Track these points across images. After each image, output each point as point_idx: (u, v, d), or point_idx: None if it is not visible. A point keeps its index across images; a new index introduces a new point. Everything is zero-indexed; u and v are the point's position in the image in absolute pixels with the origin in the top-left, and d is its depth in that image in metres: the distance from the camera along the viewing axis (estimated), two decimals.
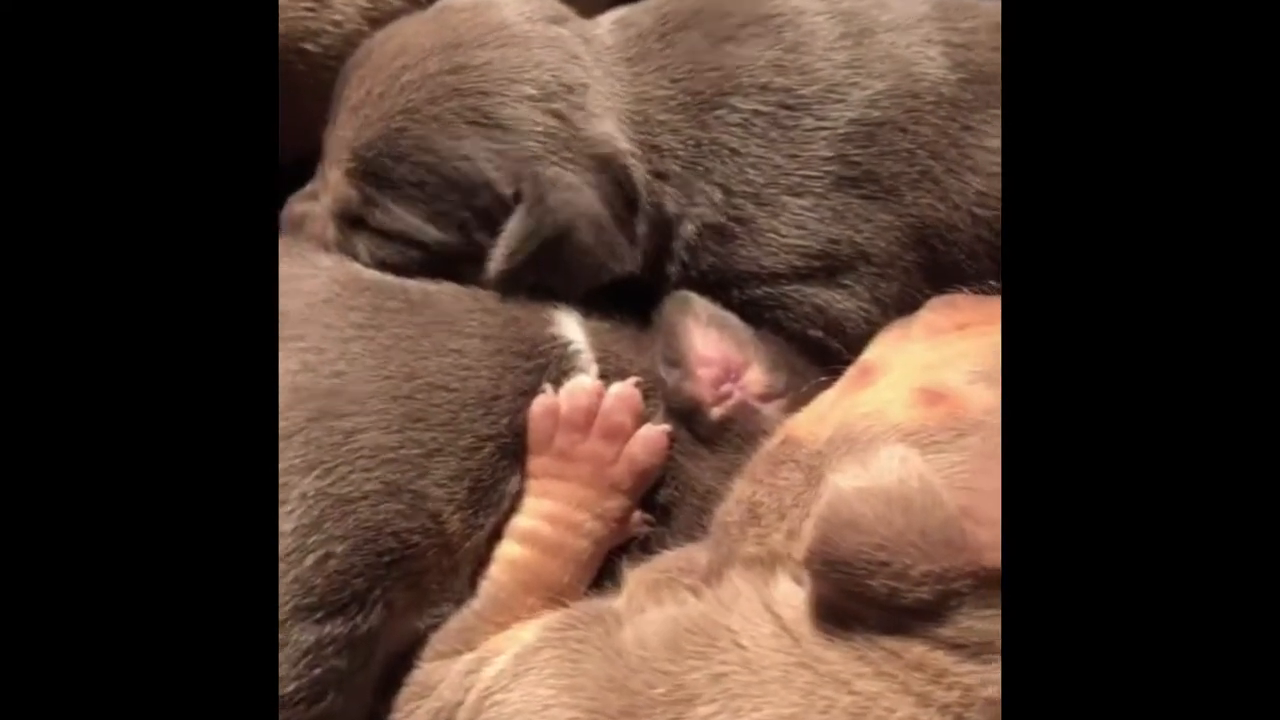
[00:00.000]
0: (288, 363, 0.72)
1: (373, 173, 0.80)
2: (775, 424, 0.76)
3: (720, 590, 0.67)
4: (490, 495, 0.74)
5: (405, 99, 0.80)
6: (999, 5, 0.87)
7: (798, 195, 0.82)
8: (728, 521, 0.69)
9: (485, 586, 0.73)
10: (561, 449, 0.75)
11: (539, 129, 0.80)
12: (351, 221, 0.82)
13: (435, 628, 0.73)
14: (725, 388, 0.79)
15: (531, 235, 0.79)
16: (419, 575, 0.72)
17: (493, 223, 0.80)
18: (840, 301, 0.84)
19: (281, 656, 0.67)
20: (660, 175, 0.82)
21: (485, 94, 0.80)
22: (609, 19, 0.88)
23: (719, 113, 0.82)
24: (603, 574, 0.76)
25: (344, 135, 0.82)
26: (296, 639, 0.68)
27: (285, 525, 0.68)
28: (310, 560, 0.68)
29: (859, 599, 0.59)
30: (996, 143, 0.82)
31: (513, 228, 0.79)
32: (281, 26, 0.88)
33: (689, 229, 0.83)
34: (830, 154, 0.82)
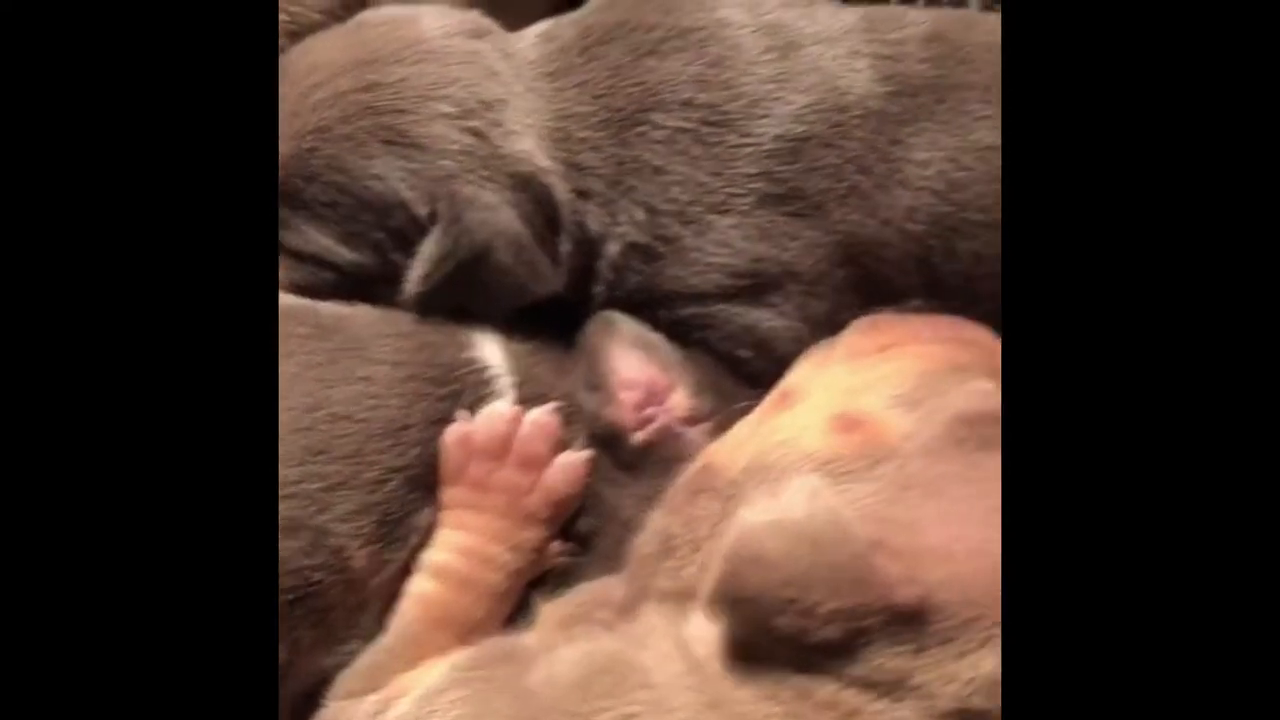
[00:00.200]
0: None
1: (284, 193, 0.78)
2: (700, 449, 0.74)
3: (634, 626, 0.64)
4: (398, 529, 0.72)
5: (317, 118, 0.78)
6: (931, 15, 0.86)
7: (723, 213, 0.80)
8: (643, 553, 0.67)
9: (395, 623, 0.71)
10: (475, 479, 0.73)
11: (455, 147, 0.78)
12: None
13: (343, 666, 0.70)
14: (649, 411, 0.77)
15: (448, 256, 0.77)
16: (324, 613, 0.69)
17: (408, 243, 0.78)
18: (768, 321, 0.82)
19: None
20: (582, 194, 0.80)
21: (400, 112, 0.78)
22: (533, 32, 0.86)
23: (641, 129, 0.80)
24: (521, 608, 0.73)
25: None
26: None
27: None
28: None
29: (768, 637, 0.57)
30: (926, 156, 0.80)
31: (428, 248, 0.77)
32: None
33: (613, 248, 0.81)
34: (755, 171, 0.80)
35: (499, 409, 0.75)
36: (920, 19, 0.84)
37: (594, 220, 0.81)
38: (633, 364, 0.78)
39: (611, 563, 0.73)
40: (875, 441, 0.63)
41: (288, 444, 0.69)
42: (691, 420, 0.78)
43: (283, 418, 0.69)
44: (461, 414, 0.74)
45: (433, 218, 0.77)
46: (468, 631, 0.70)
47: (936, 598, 0.56)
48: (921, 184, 0.80)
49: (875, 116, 0.80)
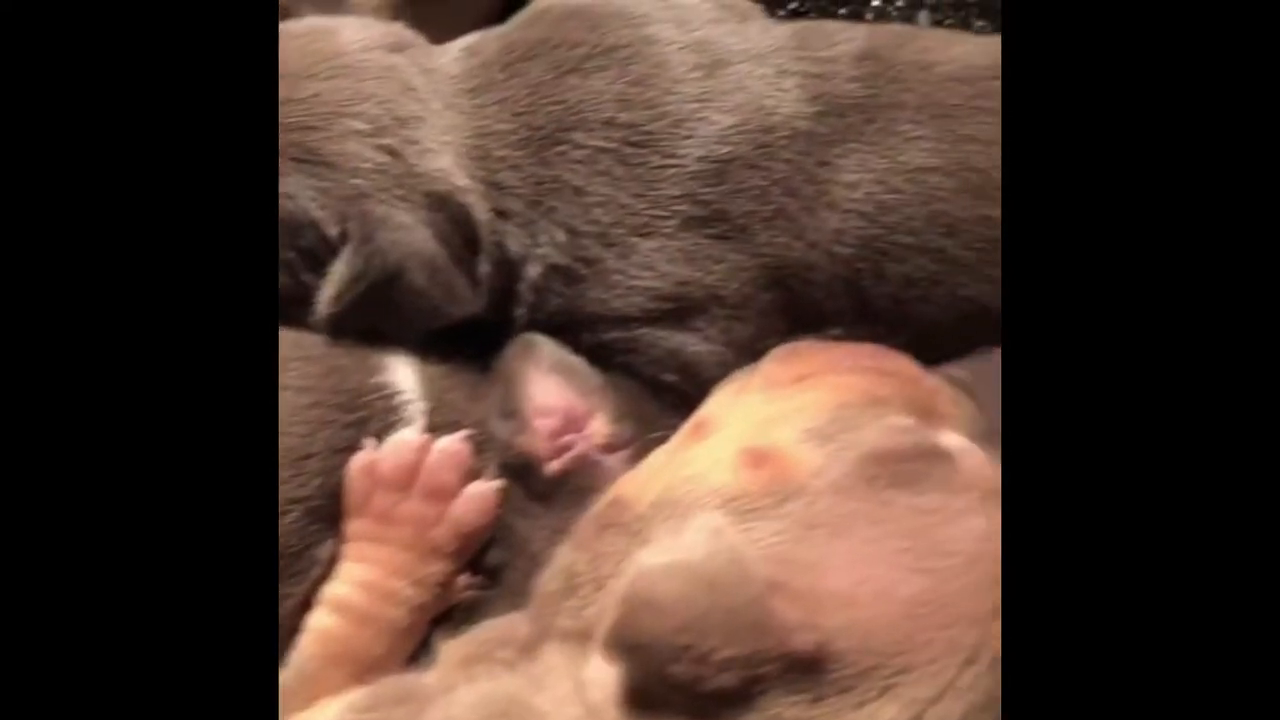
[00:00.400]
0: None
1: None
2: (617, 478, 0.72)
3: (534, 666, 0.62)
4: (298, 562, 0.69)
5: None
6: (865, 32, 0.84)
7: (646, 235, 0.78)
8: (547, 590, 0.64)
9: (292, 659, 0.69)
10: (380, 510, 0.70)
11: (368, 165, 0.75)
12: None
13: None
14: (566, 439, 0.75)
15: (359, 277, 0.75)
16: None
17: (319, 264, 0.76)
18: (693, 345, 0.80)
19: None
20: (502, 214, 0.78)
21: (310, 129, 0.76)
22: (458, 46, 0.83)
23: (561, 149, 0.78)
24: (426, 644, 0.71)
25: None
26: None
27: None
28: None
29: (663, 684, 0.55)
30: (854, 177, 0.78)
31: (338, 269, 0.75)
32: None
33: (534, 270, 0.79)
34: (679, 192, 0.78)
35: (406, 437, 0.72)
36: (853, 36, 0.82)
37: (513, 241, 0.78)
38: (550, 389, 0.76)
39: (521, 598, 0.70)
40: (784, 477, 0.60)
41: None
42: (611, 448, 0.76)
43: None
44: (368, 442, 0.72)
45: (343, 237, 0.75)
46: (366, 669, 0.68)
47: (835, 645, 0.54)
48: (849, 206, 0.78)
49: (803, 137, 0.78)
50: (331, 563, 0.71)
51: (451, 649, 0.66)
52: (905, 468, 0.60)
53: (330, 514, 0.71)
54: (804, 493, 0.60)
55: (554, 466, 0.74)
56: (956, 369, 0.79)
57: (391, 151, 0.76)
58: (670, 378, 0.80)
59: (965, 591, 0.56)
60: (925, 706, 0.54)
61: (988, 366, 0.80)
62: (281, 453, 0.69)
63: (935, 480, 0.59)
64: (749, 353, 0.78)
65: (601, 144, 0.78)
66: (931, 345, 0.78)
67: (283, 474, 0.69)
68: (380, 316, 0.76)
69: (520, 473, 0.74)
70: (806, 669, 0.53)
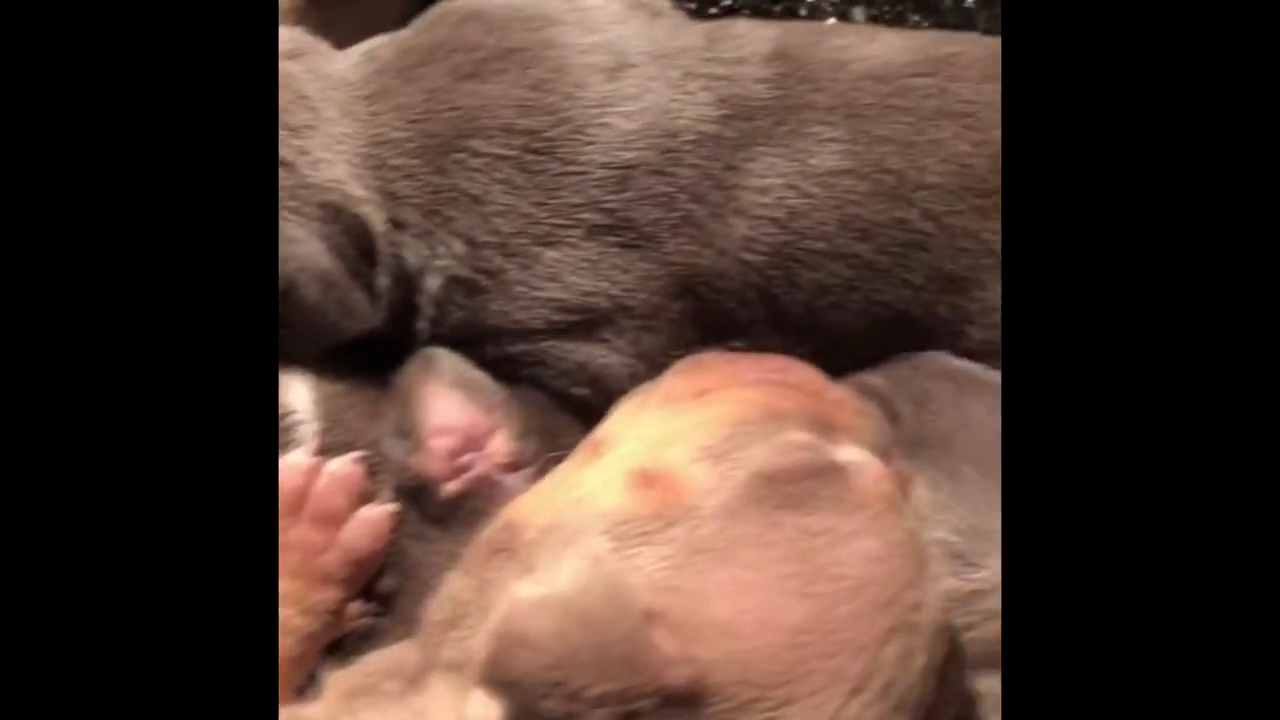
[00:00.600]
0: None
1: None
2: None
3: (419, 699, 0.59)
4: None
5: None
6: (777, 31, 0.81)
7: (549, 245, 0.76)
8: (434, 619, 0.62)
9: None
10: None
11: None
12: None
13: None
14: (465, 459, 0.73)
15: None
16: None
17: None
18: (601, 357, 0.77)
19: None
20: (399, 225, 0.76)
21: None
22: (358, 51, 0.81)
23: (459, 156, 0.75)
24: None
25: None
26: None
27: None
28: None
29: None
30: (764, 182, 0.76)
31: None
32: None
33: (433, 282, 0.77)
34: (582, 200, 0.75)
35: (295, 459, 0.70)
36: (765, 35, 0.80)
37: (411, 253, 0.76)
38: (451, 406, 0.74)
39: (414, 625, 0.68)
40: (673, 500, 0.58)
41: None
42: (513, 466, 0.73)
43: None
44: None
45: None
46: None
47: (712, 678, 0.51)
48: (759, 212, 0.76)
49: (709, 141, 0.76)
50: None
51: (338, 680, 0.64)
52: (795, 488, 0.57)
53: None
54: (692, 515, 0.57)
55: (451, 488, 0.72)
56: (874, 377, 0.77)
57: (282, 162, 0.74)
58: (580, 390, 0.78)
59: (851, 617, 0.54)
60: None
61: (906, 373, 0.78)
62: None
63: (825, 499, 0.57)
64: (659, 364, 0.76)
65: (501, 151, 0.75)
66: (845, 352, 0.76)
67: None
68: None
69: (415, 495, 0.72)
70: (684, 703, 0.51)
